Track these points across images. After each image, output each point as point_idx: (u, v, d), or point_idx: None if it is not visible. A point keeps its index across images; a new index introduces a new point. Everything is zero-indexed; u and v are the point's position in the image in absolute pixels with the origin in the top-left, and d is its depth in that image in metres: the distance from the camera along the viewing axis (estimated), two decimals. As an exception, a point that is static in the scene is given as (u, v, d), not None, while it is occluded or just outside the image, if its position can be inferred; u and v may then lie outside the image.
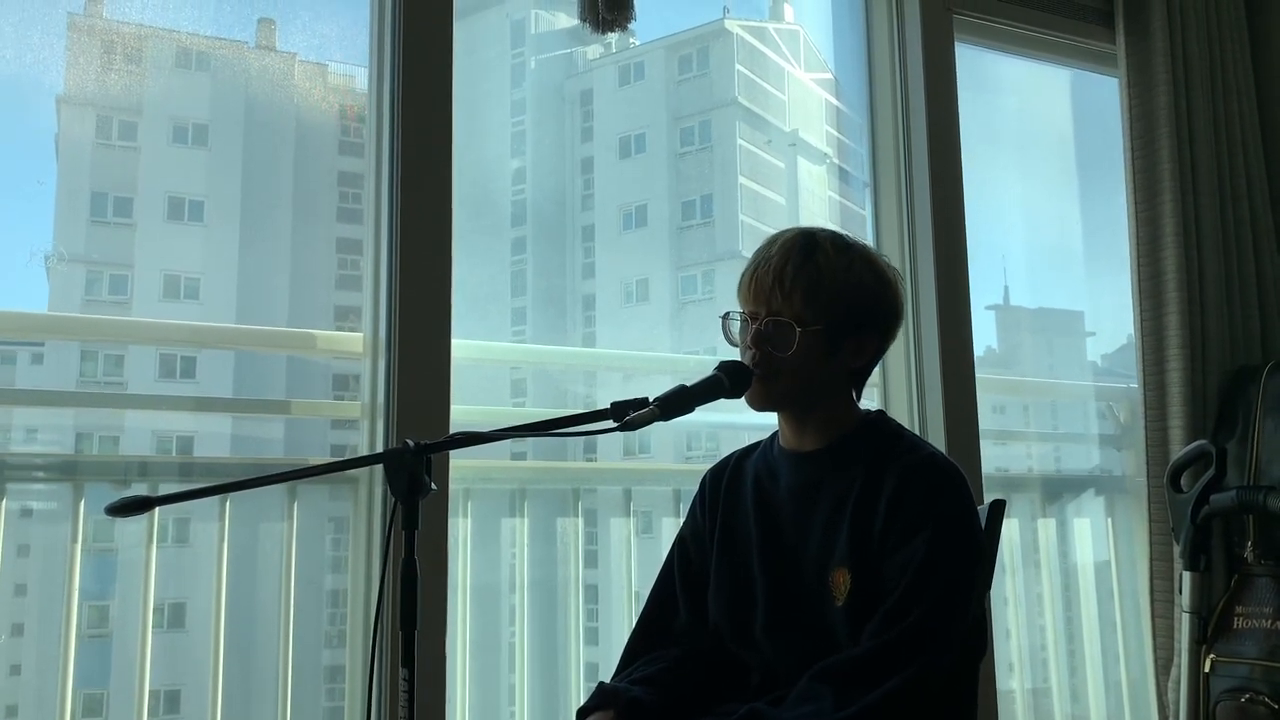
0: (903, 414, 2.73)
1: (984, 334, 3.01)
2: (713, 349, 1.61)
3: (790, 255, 1.56)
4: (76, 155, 2.40)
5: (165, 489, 2.15)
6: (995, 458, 3.07)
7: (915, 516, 1.48)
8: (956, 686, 1.50)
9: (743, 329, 1.60)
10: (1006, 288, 3.33)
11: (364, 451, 2.22)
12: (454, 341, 2.22)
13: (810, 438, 1.62)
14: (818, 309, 1.54)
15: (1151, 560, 2.87)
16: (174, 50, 2.47)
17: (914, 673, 1.40)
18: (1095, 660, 3.11)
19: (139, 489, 2.13)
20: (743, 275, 1.61)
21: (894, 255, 2.79)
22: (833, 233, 1.62)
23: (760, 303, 1.57)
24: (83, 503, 2.10)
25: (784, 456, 1.64)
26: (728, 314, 1.62)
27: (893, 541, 1.48)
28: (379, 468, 2.07)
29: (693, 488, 1.77)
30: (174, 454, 2.36)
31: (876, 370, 2.66)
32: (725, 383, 1.54)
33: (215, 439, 2.43)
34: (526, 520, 2.56)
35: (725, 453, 1.78)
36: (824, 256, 1.56)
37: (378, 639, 2.01)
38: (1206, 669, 2.64)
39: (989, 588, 1.68)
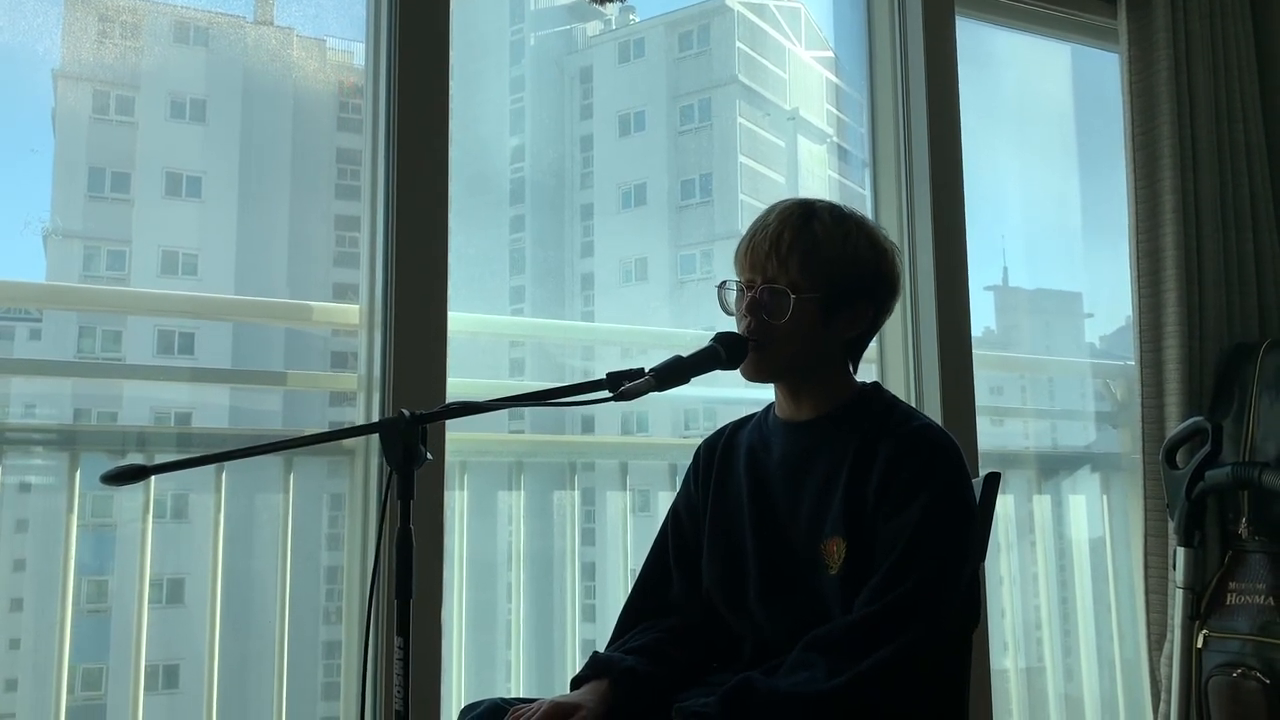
0: (900, 393, 2.73)
1: (982, 315, 3.01)
2: (711, 327, 1.61)
3: (787, 223, 1.56)
4: (73, 130, 2.40)
5: (162, 460, 2.15)
6: (992, 436, 3.07)
7: (909, 484, 1.48)
8: (949, 655, 1.51)
9: (738, 298, 1.60)
10: (1005, 268, 3.33)
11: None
12: (451, 315, 2.22)
13: (805, 407, 1.62)
14: (813, 277, 1.54)
15: (1146, 536, 2.87)
16: (171, 24, 2.46)
17: (906, 641, 1.40)
18: (1089, 638, 3.12)
19: (136, 460, 2.13)
20: (740, 244, 1.61)
21: (893, 235, 2.78)
22: (831, 203, 1.62)
23: (756, 270, 1.57)
24: (79, 474, 2.10)
25: (778, 426, 1.65)
26: (724, 283, 1.63)
27: (886, 509, 1.49)
28: (376, 441, 2.10)
29: (689, 463, 1.77)
30: (172, 425, 2.37)
31: (874, 348, 2.67)
32: (721, 353, 1.54)
33: (213, 411, 2.43)
34: (523, 493, 2.57)
35: (722, 426, 1.78)
36: (821, 225, 1.56)
37: (373, 610, 2.02)
38: (1199, 644, 2.66)
39: (983, 558, 1.68)
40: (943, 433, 1.57)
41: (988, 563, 1.93)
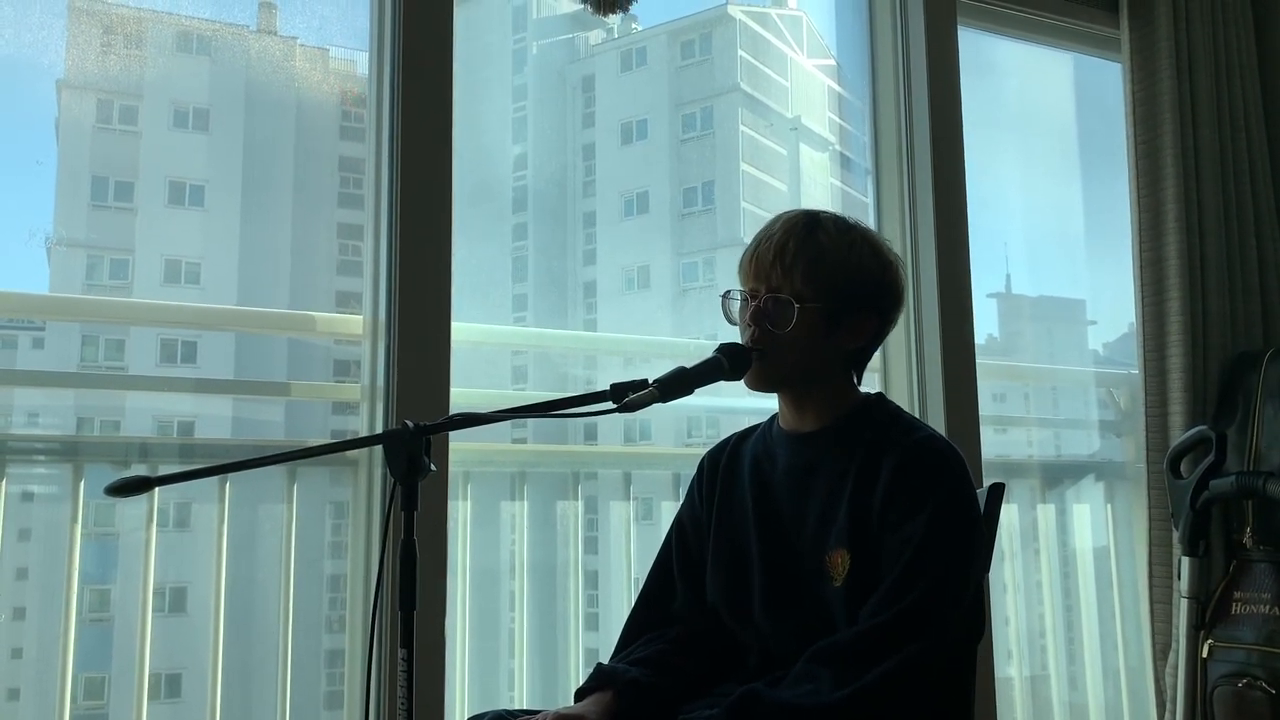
0: (903, 401, 2.73)
1: (986, 322, 3.01)
2: (714, 335, 1.62)
3: (792, 232, 1.56)
4: (77, 139, 2.40)
5: (165, 471, 2.15)
6: (996, 444, 3.07)
7: (914, 496, 1.48)
8: (953, 667, 1.51)
9: (742, 308, 1.60)
10: (1008, 276, 3.33)
11: (364, 435, 2.22)
12: (455, 325, 2.22)
13: (809, 418, 1.62)
14: (817, 286, 1.54)
15: (1150, 546, 2.87)
16: (175, 34, 2.46)
17: (910, 653, 1.40)
18: (1094, 647, 3.11)
19: (139, 471, 2.13)
20: (744, 253, 1.62)
21: (895, 243, 2.78)
22: (835, 214, 1.62)
23: (760, 280, 1.57)
24: (82, 484, 2.10)
25: (782, 438, 1.64)
26: (728, 292, 1.63)
27: (891, 520, 1.48)
28: (379, 451, 2.09)
29: (692, 472, 1.77)
30: (175, 436, 2.37)
31: (878, 357, 2.66)
32: (725, 364, 1.54)
33: (216, 421, 2.43)
34: (526, 503, 2.57)
35: (725, 437, 1.78)
36: (826, 235, 1.57)
37: (377, 621, 2.02)
38: (1204, 654, 2.65)
39: (987, 570, 1.68)
40: (947, 444, 1.56)
41: (992, 571, 1.92)
